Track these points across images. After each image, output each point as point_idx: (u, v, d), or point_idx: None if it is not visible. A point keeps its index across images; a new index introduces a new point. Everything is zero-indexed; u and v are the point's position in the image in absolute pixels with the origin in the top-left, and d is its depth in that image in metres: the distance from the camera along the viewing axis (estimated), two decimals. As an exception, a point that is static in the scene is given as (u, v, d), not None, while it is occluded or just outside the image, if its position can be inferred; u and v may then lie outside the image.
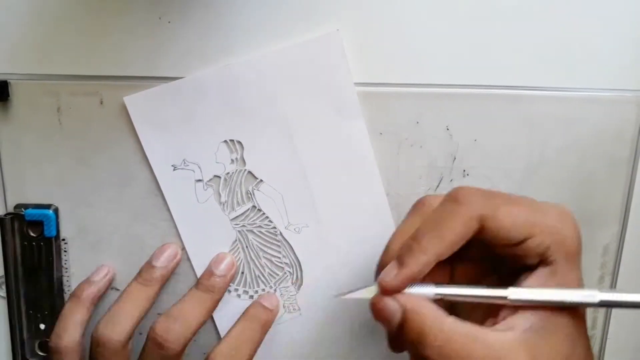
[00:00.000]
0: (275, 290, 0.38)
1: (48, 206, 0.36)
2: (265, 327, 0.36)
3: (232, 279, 0.37)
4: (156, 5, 0.34)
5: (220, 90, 0.35)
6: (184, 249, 0.37)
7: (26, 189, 0.36)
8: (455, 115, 0.35)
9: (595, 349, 0.40)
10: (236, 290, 0.38)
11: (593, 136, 0.36)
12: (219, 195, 0.36)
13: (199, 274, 0.37)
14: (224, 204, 0.36)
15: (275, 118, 0.35)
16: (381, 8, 0.34)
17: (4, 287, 0.37)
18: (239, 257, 0.37)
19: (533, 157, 0.36)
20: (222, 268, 0.36)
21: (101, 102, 0.35)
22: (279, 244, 0.37)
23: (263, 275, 0.38)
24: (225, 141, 0.36)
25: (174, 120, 0.35)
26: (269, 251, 0.37)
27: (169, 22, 0.34)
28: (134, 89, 0.34)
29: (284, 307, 0.38)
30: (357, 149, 0.36)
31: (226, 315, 0.37)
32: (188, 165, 0.36)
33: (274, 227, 0.37)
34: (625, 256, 0.38)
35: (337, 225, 0.37)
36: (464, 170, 0.36)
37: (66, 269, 0.37)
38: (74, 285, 0.37)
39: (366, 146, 0.36)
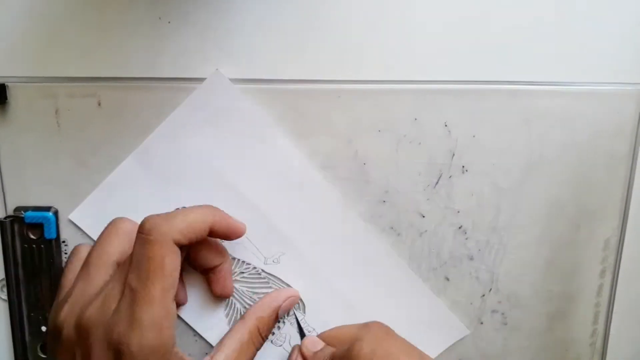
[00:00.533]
0: (284, 322, 0.38)
1: (48, 208, 0.36)
2: None
3: None
4: (156, 5, 0.34)
5: (144, 170, 0.36)
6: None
7: (26, 192, 0.36)
8: (454, 111, 0.35)
9: (598, 343, 0.40)
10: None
11: (592, 131, 0.36)
12: None
13: (211, 341, 0.37)
14: None
15: (206, 173, 0.36)
16: (381, 5, 0.34)
17: (5, 289, 0.37)
18: (237, 308, 0.37)
19: (532, 153, 0.36)
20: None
21: (99, 104, 0.35)
22: (266, 280, 0.37)
23: None
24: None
25: (123, 212, 0.35)
26: (261, 290, 0.37)
27: (169, 22, 0.34)
28: (132, 90, 0.35)
29: (298, 333, 0.38)
30: (291, 166, 0.36)
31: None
32: None
33: (254, 268, 0.37)
34: (626, 250, 0.38)
35: (310, 240, 0.37)
36: (463, 167, 0.36)
37: (67, 270, 0.37)
38: (74, 287, 0.37)
39: (298, 159, 0.36)
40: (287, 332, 0.38)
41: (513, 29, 0.35)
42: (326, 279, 0.38)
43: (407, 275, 0.38)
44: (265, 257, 0.37)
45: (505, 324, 0.39)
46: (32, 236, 0.36)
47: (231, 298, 0.37)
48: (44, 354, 0.38)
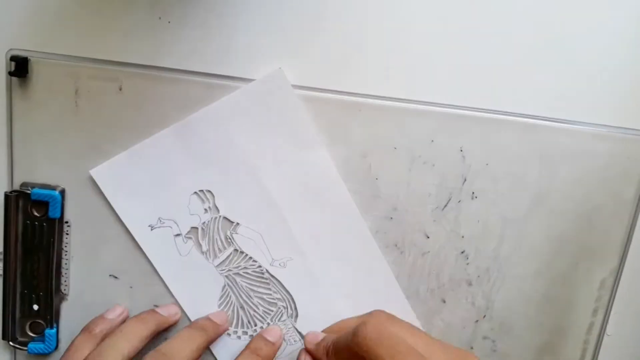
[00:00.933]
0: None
1: (55, 187, 0.36)
2: None
3: (229, 323, 0.38)
4: (155, 4, 0.34)
5: (181, 145, 0.35)
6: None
7: (34, 168, 0.36)
8: (471, 137, 0.36)
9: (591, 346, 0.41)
10: (235, 332, 0.38)
11: (601, 172, 0.37)
12: (200, 245, 0.37)
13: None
14: (206, 253, 0.37)
15: (238, 161, 0.36)
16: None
17: (1, 264, 0.37)
18: (231, 301, 0.37)
19: (541, 187, 0.37)
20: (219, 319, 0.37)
21: (120, 89, 0.35)
22: (267, 281, 0.37)
23: (258, 314, 0.38)
24: (196, 192, 0.36)
25: (142, 182, 0.35)
26: (259, 290, 0.38)
27: (169, 22, 0.34)
28: (156, 80, 0.34)
29: (285, 340, 0.38)
30: (323, 176, 0.36)
31: (228, 355, 0.38)
32: (164, 223, 0.36)
33: (260, 266, 0.37)
34: (620, 292, 0.39)
35: (320, 252, 0.37)
36: (473, 193, 0.37)
37: (66, 252, 0.37)
38: (72, 270, 0.37)
39: (332, 171, 0.36)
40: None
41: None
42: (326, 294, 0.38)
43: (403, 309, 0.38)
44: (272, 259, 0.37)
45: (495, 350, 0.40)
46: (36, 213, 0.36)
47: (227, 289, 0.37)
48: (33, 333, 0.37)
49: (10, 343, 0.37)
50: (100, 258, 0.37)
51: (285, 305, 0.38)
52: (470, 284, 0.38)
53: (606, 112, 0.36)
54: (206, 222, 0.37)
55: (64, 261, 0.37)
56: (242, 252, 0.37)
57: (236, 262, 0.37)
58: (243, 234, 0.37)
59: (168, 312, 0.37)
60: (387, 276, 0.38)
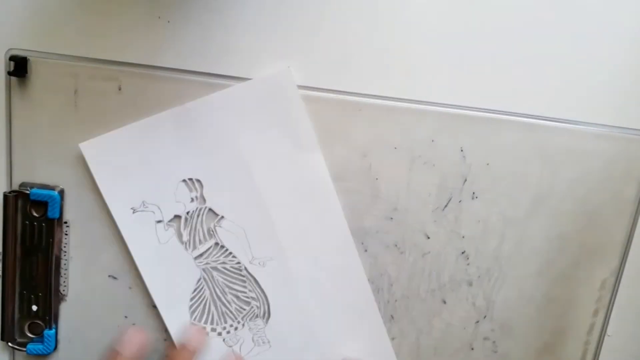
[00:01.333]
0: (243, 325, 0.38)
1: (54, 187, 0.36)
2: None
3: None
4: (155, 4, 0.34)
5: (176, 130, 0.35)
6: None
7: (33, 168, 0.36)
8: (471, 138, 0.36)
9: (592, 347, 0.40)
10: (203, 328, 0.37)
11: (602, 172, 0.37)
12: (181, 234, 0.36)
13: (165, 318, 0.37)
14: (186, 243, 0.36)
15: (232, 154, 0.35)
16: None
17: (0, 264, 0.36)
18: (205, 295, 0.37)
19: (542, 187, 0.37)
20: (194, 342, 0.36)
21: (119, 89, 0.35)
22: (244, 278, 0.37)
23: (230, 311, 0.37)
24: (184, 180, 0.36)
25: (131, 163, 0.35)
26: (235, 287, 0.37)
27: (169, 21, 0.34)
28: (156, 79, 0.34)
29: (253, 341, 0.38)
30: (316, 180, 0.36)
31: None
32: (147, 207, 0.36)
33: (238, 262, 0.37)
34: (621, 292, 0.39)
35: (301, 256, 0.37)
36: (473, 193, 0.37)
37: (65, 252, 0.37)
38: (71, 270, 0.37)
39: (325, 176, 0.36)
40: (242, 336, 0.38)
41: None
42: (301, 299, 0.37)
43: (377, 327, 0.38)
44: (253, 256, 0.37)
45: (496, 352, 0.39)
46: (35, 214, 0.36)
47: (202, 282, 0.37)
48: (32, 334, 0.37)
49: (9, 344, 0.37)
50: (99, 258, 0.37)
51: (258, 305, 0.37)
52: (470, 285, 0.38)
53: (607, 112, 0.36)
54: (190, 211, 0.36)
55: (62, 262, 0.37)
56: (222, 247, 0.37)
57: (215, 256, 0.37)
58: (226, 228, 0.36)
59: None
60: (365, 289, 0.37)
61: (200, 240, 0.36)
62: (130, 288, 0.37)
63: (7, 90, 0.34)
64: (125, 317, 0.37)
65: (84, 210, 0.36)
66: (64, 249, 0.37)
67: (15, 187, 0.36)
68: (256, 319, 0.38)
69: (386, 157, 0.36)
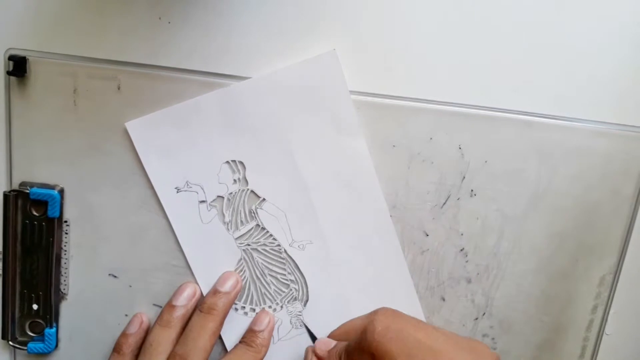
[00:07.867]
0: (281, 307, 0.38)
1: (54, 186, 0.36)
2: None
3: (236, 297, 0.37)
4: (156, 4, 0.34)
5: (221, 112, 0.35)
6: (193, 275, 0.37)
7: (33, 167, 0.36)
8: (469, 135, 0.36)
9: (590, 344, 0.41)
10: (243, 307, 0.38)
11: (601, 169, 0.37)
12: (223, 215, 0.37)
13: (203, 289, 0.37)
14: (227, 224, 0.37)
15: (276, 137, 0.35)
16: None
17: (0, 264, 0.36)
18: (245, 276, 0.37)
19: (540, 184, 0.37)
20: (227, 285, 0.36)
21: (118, 88, 0.35)
22: (283, 261, 0.37)
23: (269, 292, 0.38)
24: (227, 162, 0.36)
25: (175, 143, 0.35)
26: (274, 269, 0.37)
27: (169, 22, 0.34)
28: (155, 79, 0.34)
29: (290, 323, 0.38)
30: (358, 165, 0.36)
31: (234, 332, 0.38)
32: (191, 187, 0.36)
33: (278, 245, 0.37)
34: (620, 288, 0.39)
35: (341, 240, 0.37)
36: (472, 190, 0.37)
37: (65, 251, 0.37)
38: (71, 269, 0.37)
39: (367, 162, 0.36)
40: (280, 318, 0.38)
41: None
42: (339, 283, 0.38)
43: (416, 314, 0.38)
44: (293, 240, 0.37)
45: (495, 348, 0.40)
46: (34, 213, 0.36)
47: (242, 263, 0.37)
48: (33, 333, 0.37)
49: (10, 343, 0.37)
50: (100, 257, 0.37)
51: (297, 288, 0.38)
52: (469, 282, 0.38)
53: (605, 109, 0.36)
54: (233, 192, 0.36)
55: (63, 260, 0.37)
56: (263, 229, 0.37)
57: (256, 237, 0.37)
58: (267, 210, 0.36)
59: (186, 300, 0.36)
60: (404, 276, 0.38)
61: (242, 222, 0.37)
62: (130, 286, 0.37)
63: (7, 90, 0.34)
64: (126, 315, 0.37)
65: (84, 209, 0.36)
66: (64, 247, 0.37)
67: (15, 186, 0.36)
68: (294, 302, 0.38)
69: (384, 155, 0.36)
